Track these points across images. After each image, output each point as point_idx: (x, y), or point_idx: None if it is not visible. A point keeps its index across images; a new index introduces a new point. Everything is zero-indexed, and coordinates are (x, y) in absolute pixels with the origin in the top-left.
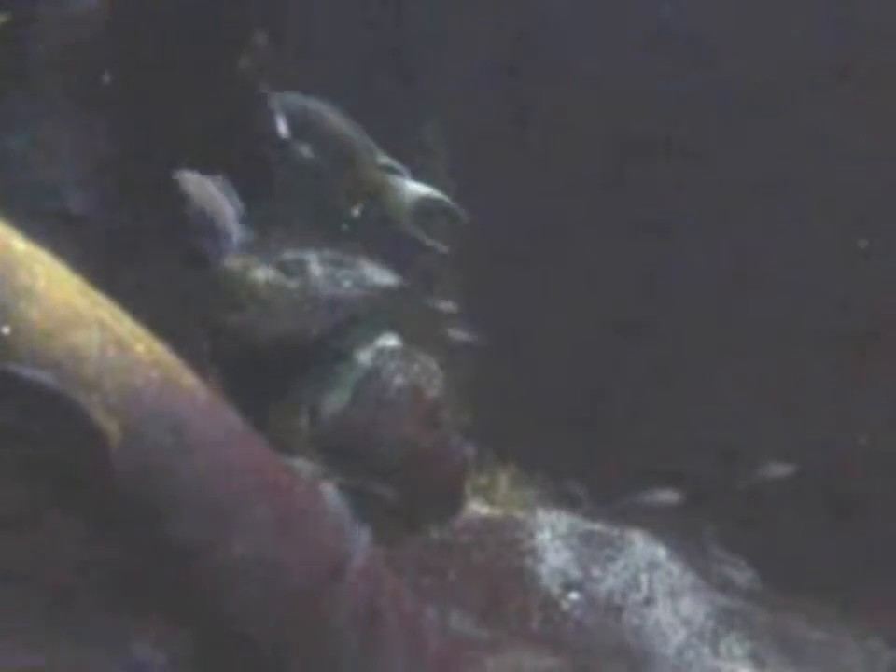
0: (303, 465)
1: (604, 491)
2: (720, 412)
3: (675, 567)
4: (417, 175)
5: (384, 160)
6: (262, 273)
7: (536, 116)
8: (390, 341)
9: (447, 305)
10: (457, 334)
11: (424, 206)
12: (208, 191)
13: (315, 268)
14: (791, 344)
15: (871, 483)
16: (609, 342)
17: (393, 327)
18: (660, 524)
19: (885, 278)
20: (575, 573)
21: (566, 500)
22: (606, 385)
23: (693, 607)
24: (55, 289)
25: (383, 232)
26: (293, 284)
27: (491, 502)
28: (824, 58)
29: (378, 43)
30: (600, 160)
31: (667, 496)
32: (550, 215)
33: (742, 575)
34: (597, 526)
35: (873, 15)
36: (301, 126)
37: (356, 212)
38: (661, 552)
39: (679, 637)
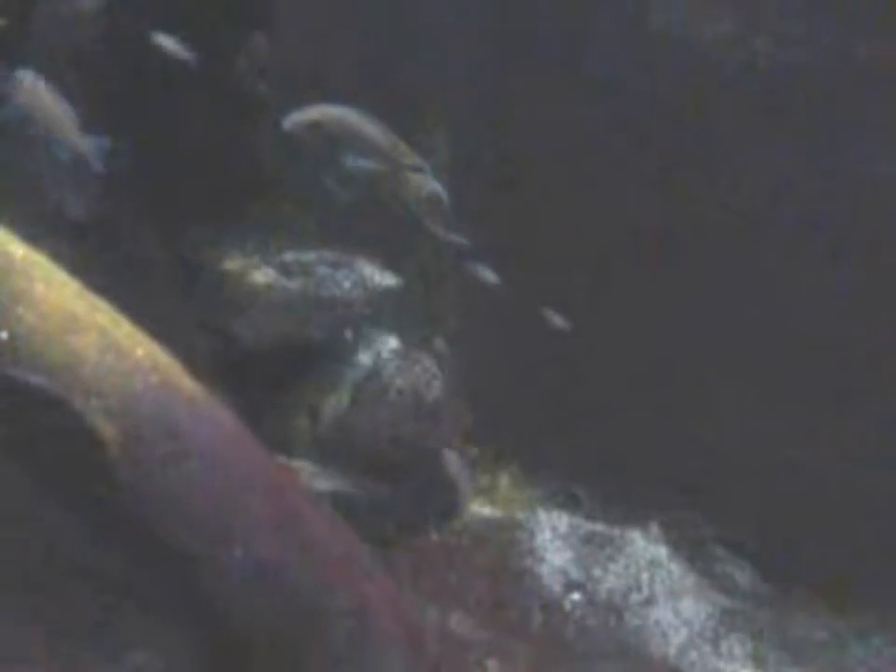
0: (304, 466)
1: (605, 491)
2: (721, 412)
3: (676, 567)
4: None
5: (412, 159)
6: (262, 275)
7: (536, 118)
8: (390, 342)
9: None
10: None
11: (432, 202)
12: (43, 97)
13: (316, 269)
14: (786, 347)
15: (871, 480)
16: (611, 343)
17: (393, 328)
18: (661, 523)
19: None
20: (576, 573)
21: (566, 501)
22: (606, 385)
23: (695, 607)
24: (53, 294)
25: (383, 233)
26: (293, 285)
27: (492, 503)
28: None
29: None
30: (601, 163)
31: None
32: (550, 216)
33: (743, 575)
34: (598, 527)
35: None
36: (340, 134)
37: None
38: (662, 551)
39: (681, 637)
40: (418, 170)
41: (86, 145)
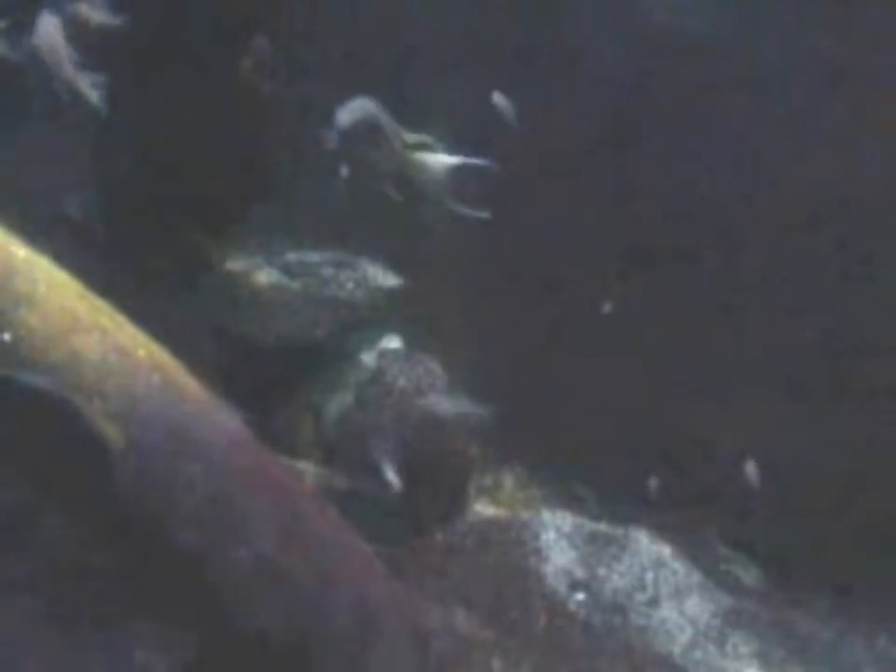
0: (307, 466)
1: (608, 491)
2: (724, 412)
3: (680, 567)
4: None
5: (412, 137)
6: (266, 276)
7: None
8: (393, 342)
9: None
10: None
11: (455, 175)
12: (53, 35)
13: (319, 270)
14: (785, 345)
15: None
16: (614, 343)
17: (396, 329)
18: (665, 522)
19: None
20: (580, 573)
21: (571, 500)
22: (610, 385)
23: (699, 606)
24: (55, 295)
25: (386, 233)
26: (296, 286)
27: (496, 503)
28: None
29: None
30: (602, 162)
31: None
32: (551, 216)
33: (748, 573)
34: (602, 526)
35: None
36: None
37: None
38: (666, 551)
39: (686, 636)
40: (427, 147)
41: (88, 89)
